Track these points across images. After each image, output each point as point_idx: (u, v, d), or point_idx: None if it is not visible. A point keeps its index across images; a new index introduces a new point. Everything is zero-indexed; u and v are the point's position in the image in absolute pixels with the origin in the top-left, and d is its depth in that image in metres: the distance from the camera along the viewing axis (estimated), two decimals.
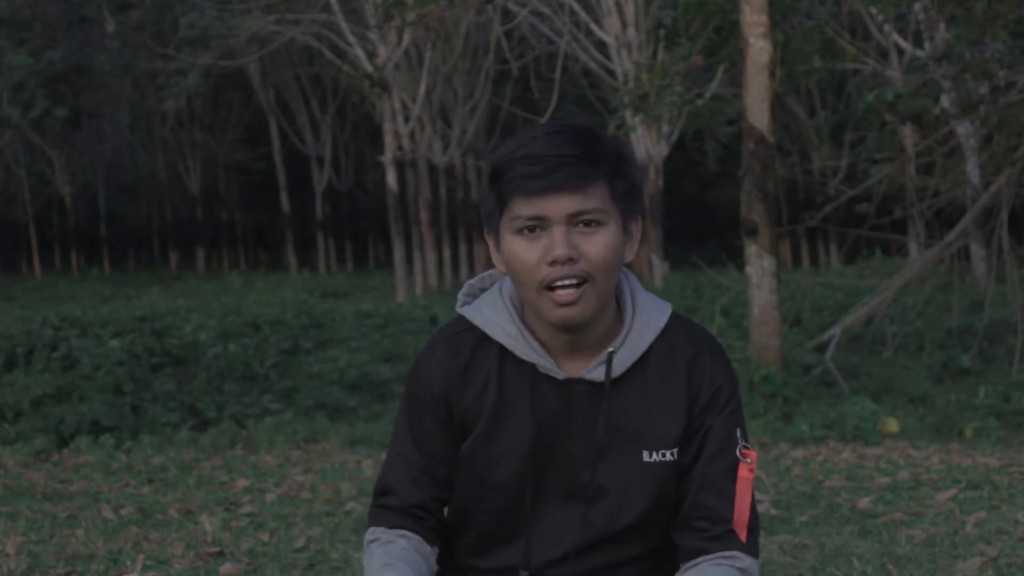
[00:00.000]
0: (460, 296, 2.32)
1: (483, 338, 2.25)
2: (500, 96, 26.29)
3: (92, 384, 8.06)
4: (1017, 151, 9.70)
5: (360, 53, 20.80)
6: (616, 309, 2.25)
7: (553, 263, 2.11)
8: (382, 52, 20.62)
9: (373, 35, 20.70)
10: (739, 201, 8.45)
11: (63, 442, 7.35)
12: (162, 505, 5.35)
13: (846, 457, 6.41)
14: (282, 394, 8.88)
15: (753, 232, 8.20)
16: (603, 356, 2.21)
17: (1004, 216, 9.48)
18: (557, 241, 2.11)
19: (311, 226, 36.97)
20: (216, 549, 4.36)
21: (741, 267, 9.44)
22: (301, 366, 9.83)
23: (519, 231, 2.14)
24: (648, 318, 2.25)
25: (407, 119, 21.81)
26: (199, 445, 7.20)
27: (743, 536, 2.26)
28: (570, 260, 2.11)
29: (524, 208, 2.12)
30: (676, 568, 2.29)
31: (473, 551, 2.34)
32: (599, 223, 2.13)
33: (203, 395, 8.37)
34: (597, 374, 2.22)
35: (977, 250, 13.34)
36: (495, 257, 2.22)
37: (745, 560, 2.25)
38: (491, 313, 2.24)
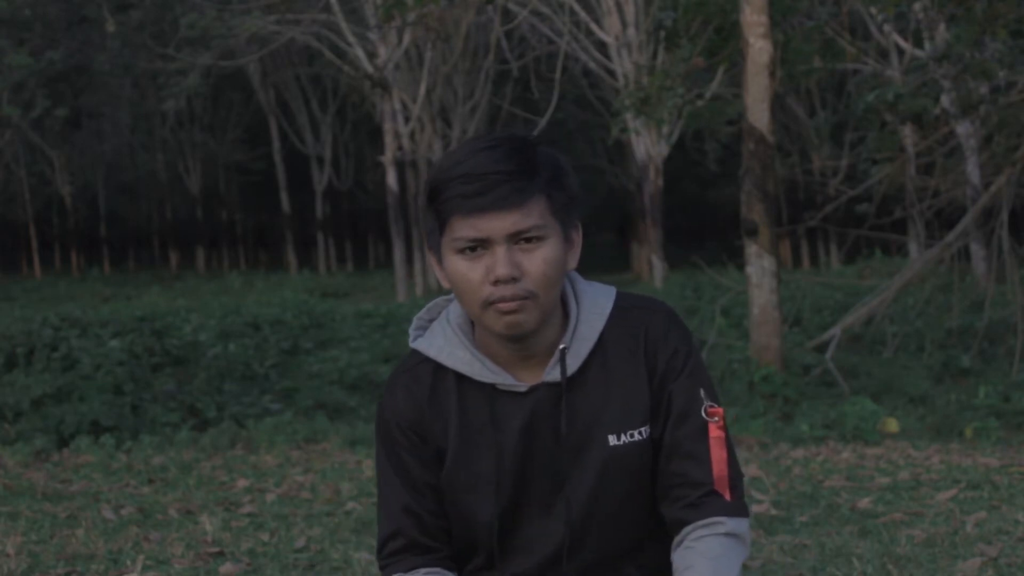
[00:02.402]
0: (411, 331, 2.32)
1: (439, 368, 2.26)
2: (500, 96, 26.29)
3: (92, 384, 8.06)
4: (1017, 151, 9.71)
5: (360, 53, 20.80)
6: (563, 310, 2.25)
7: (496, 282, 2.12)
8: (382, 52, 20.62)
9: (373, 35, 20.69)
10: (739, 201, 8.45)
11: (63, 442, 7.35)
12: (162, 505, 5.35)
13: (846, 457, 6.41)
14: (282, 394, 8.88)
15: (753, 232, 8.20)
16: (557, 356, 2.21)
17: (1004, 216, 9.49)
18: (499, 261, 2.11)
19: (311, 226, 36.97)
20: (216, 549, 4.36)
21: (741, 267, 9.44)
22: (301, 366, 9.83)
23: (460, 251, 2.13)
24: (593, 306, 2.25)
25: (407, 119, 21.81)
26: (199, 445, 7.20)
27: (727, 495, 2.23)
28: (512, 279, 2.11)
29: (464, 229, 2.11)
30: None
31: (462, 567, 2.35)
32: (540, 239, 2.13)
33: (203, 395, 8.37)
34: (555, 375, 2.22)
35: (977, 250, 13.34)
36: (438, 273, 2.22)
37: (729, 523, 2.21)
38: (443, 343, 2.25)
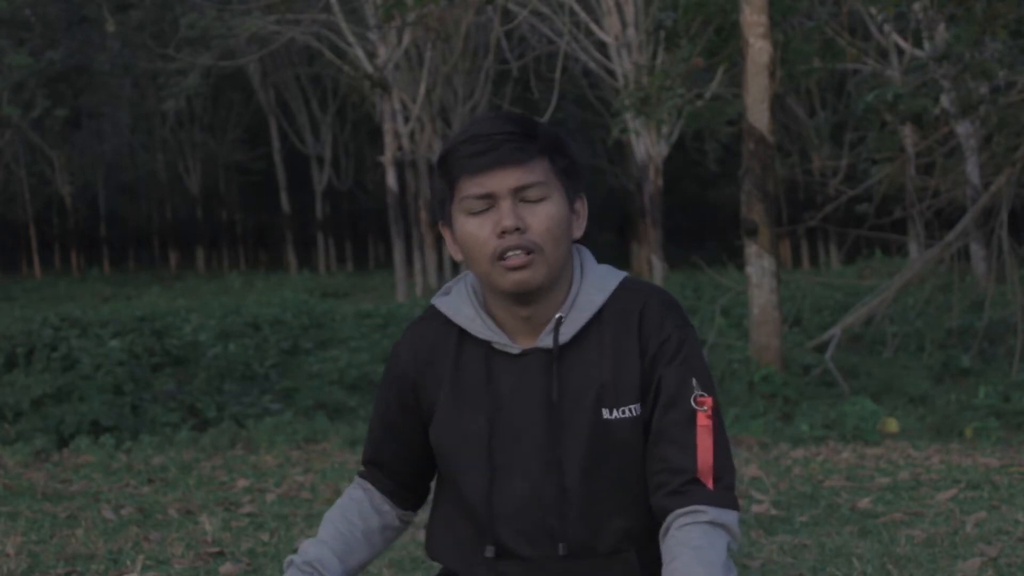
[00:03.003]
0: (438, 293, 2.46)
1: (447, 323, 2.39)
2: (500, 96, 26.28)
3: (92, 384, 8.06)
4: (1017, 151, 9.70)
5: (360, 53, 20.79)
6: (565, 279, 2.35)
7: (502, 234, 2.25)
8: (382, 52, 20.62)
9: (373, 35, 20.68)
10: (739, 201, 8.45)
11: (63, 442, 7.35)
12: (162, 505, 5.35)
13: (846, 457, 6.41)
14: (282, 394, 8.88)
15: (753, 232, 8.20)
16: (552, 324, 2.31)
17: (1004, 216, 9.49)
18: (505, 213, 2.25)
19: (311, 226, 36.94)
20: (216, 549, 4.36)
21: (741, 267, 9.44)
22: (301, 366, 9.83)
23: (470, 212, 2.28)
24: (598, 282, 2.34)
25: (407, 119, 21.80)
26: (199, 445, 7.20)
27: (710, 484, 2.23)
28: (517, 230, 2.24)
29: (471, 187, 2.26)
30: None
31: (452, 531, 2.41)
32: (543, 196, 2.27)
33: (203, 395, 8.37)
34: (549, 341, 2.31)
35: (977, 250, 13.33)
36: (451, 247, 2.36)
37: (712, 512, 2.21)
38: (455, 299, 2.39)
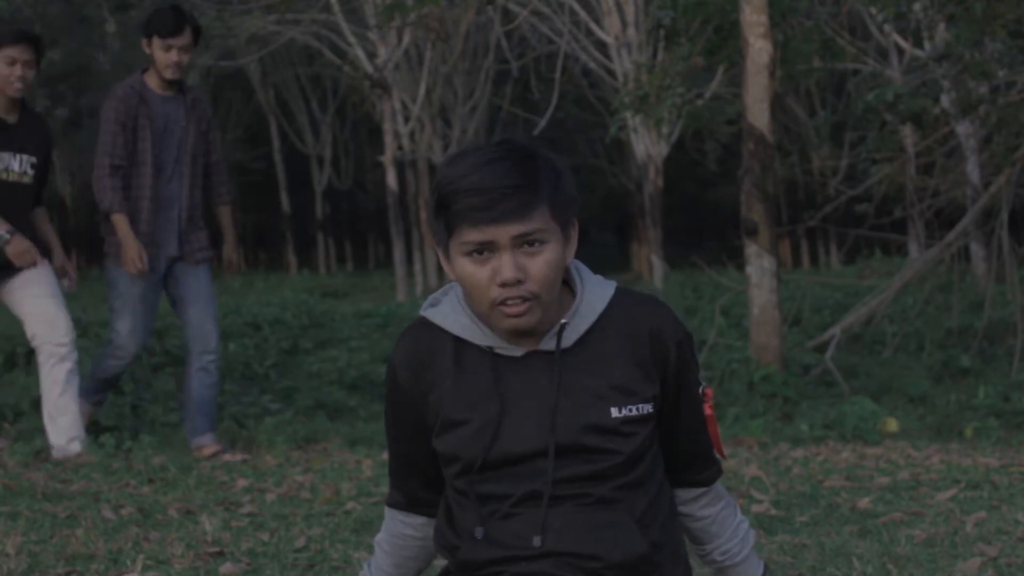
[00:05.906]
0: (424, 305, 2.48)
1: (440, 332, 2.42)
2: (500, 96, 26.28)
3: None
4: (1017, 151, 9.70)
5: (360, 53, 20.79)
6: (560, 296, 2.40)
7: (503, 284, 2.27)
8: (382, 52, 20.62)
9: (373, 35, 20.69)
10: (739, 201, 8.45)
11: None
12: (162, 505, 5.35)
13: (846, 457, 6.41)
14: (282, 394, 8.88)
15: (753, 232, 8.20)
16: (556, 328, 2.37)
17: (1004, 216, 9.49)
18: (505, 265, 2.27)
19: (311, 226, 36.94)
20: (216, 549, 4.36)
21: (741, 267, 9.44)
22: (301, 366, 9.83)
23: (468, 254, 2.29)
24: (597, 291, 2.43)
25: (407, 119, 21.80)
26: None
27: (719, 455, 2.55)
28: (518, 282, 2.27)
29: (472, 234, 2.27)
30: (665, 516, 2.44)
31: (449, 519, 2.47)
32: (542, 242, 2.29)
33: None
34: (551, 345, 2.38)
35: (977, 250, 13.33)
36: (445, 266, 2.38)
37: (722, 488, 2.59)
38: (448, 310, 2.41)
